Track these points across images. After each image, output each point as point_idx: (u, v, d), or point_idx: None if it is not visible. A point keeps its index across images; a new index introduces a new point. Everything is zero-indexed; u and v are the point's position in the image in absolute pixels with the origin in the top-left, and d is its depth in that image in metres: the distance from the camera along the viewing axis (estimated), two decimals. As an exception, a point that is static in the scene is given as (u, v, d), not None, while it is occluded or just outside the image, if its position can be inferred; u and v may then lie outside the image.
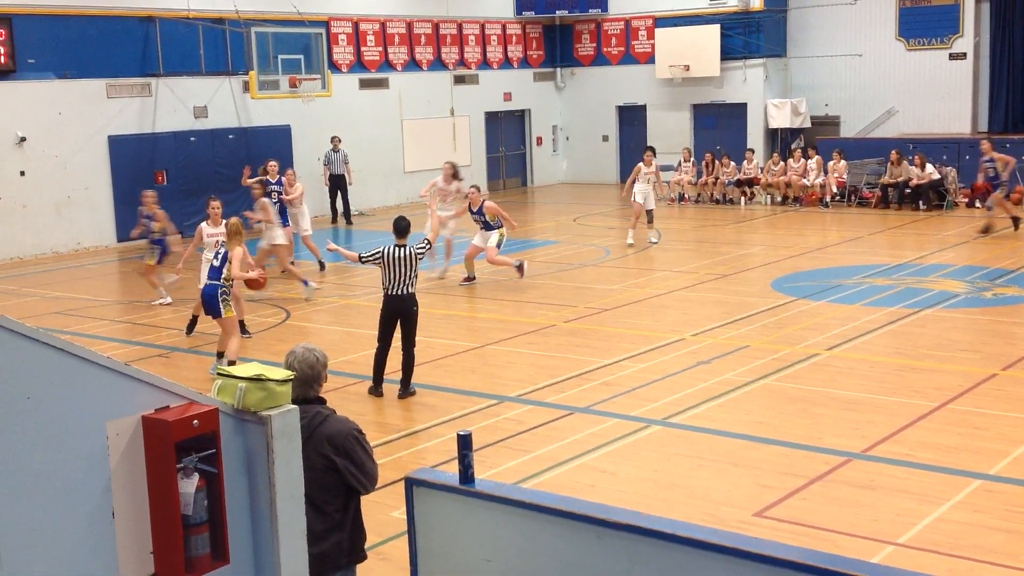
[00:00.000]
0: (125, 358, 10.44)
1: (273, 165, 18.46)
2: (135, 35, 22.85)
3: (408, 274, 10.79)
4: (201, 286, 13.34)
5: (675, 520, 3.57)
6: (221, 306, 11.68)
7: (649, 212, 19.80)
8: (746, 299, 15.11)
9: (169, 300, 16.17)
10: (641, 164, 19.93)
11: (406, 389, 10.94)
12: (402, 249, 10.81)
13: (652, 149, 20.73)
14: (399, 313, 10.88)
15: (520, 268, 16.70)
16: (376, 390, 11.05)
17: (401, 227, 10.98)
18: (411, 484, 4.01)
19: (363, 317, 14.35)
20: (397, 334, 10.99)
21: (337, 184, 25.22)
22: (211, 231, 13.95)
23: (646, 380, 11.22)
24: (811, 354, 12.01)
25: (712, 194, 26.69)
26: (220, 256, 11.84)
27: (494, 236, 16.58)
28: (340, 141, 25.33)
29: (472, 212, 16.66)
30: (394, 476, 8.02)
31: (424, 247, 11.23)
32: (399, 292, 10.81)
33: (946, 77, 27.57)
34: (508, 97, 31.55)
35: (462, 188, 17.80)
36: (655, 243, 19.96)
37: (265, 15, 24.24)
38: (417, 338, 11.02)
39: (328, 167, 25.27)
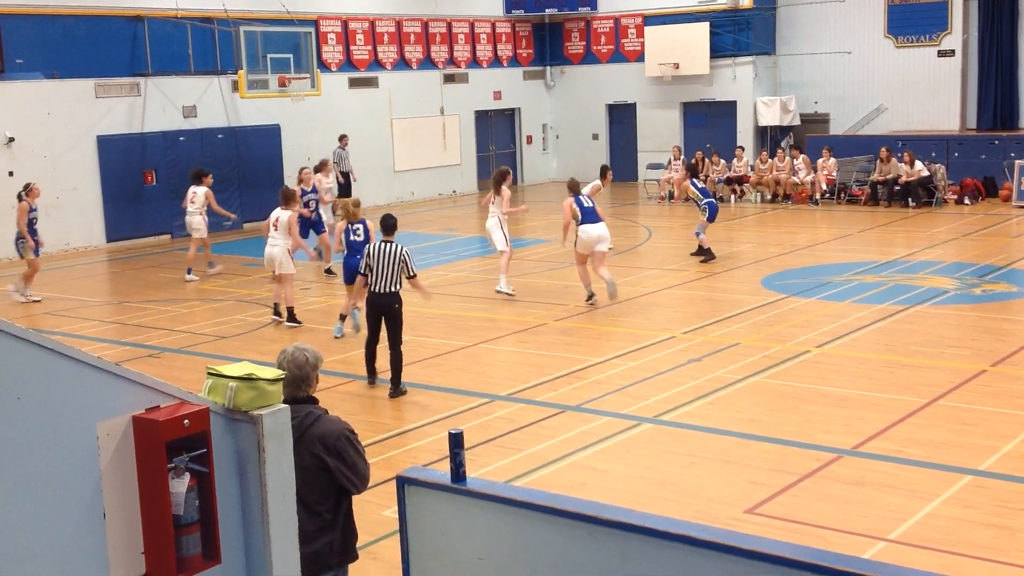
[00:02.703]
0: (115, 358, 10.42)
1: (308, 173, 18.26)
2: (123, 35, 22.78)
3: (392, 272, 10.75)
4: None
5: (666, 517, 3.58)
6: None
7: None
8: (736, 297, 15.14)
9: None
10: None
11: (397, 388, 10.94)
12: (388, 245, 10.79)
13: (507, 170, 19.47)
14: (382, 310, 10.86)
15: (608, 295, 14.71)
16: (371, 380, 11.19)
17: (388, 224, 10.99)
18: (403, 483, 4.01)
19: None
20: (384, 333, 11.02)
21: (346, 181, 25.22)
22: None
23: (637, 378, 11.23)
24: (801, 351, 12.03)
25: (702, 192, 26.70)
26: (362, 232, 13.23)
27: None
28: (348, 139, 25.37)
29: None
30: (386, 475, 8.01)
31: (412, 274, 10.96)
32: (381, 289, 10.77)
33: (935, 74, 27.64)
34: (498, 96, 31.54)
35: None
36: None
37: (254, 14, 24.18)
38: (408, 337, 11.03)
39: (338, 165, 25.13)
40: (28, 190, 16.66)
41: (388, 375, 11.00)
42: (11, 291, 16.63)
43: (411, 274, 10.88)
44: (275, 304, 14.63)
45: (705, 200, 18.07)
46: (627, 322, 13.84)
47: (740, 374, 11.20)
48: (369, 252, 10.79)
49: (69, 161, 21.91)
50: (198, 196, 18.30)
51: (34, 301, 16.49)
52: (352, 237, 13.22)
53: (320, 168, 18.92)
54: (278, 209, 14.45)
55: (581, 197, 15.00)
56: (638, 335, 13.08)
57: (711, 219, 18.05)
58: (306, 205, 17.51)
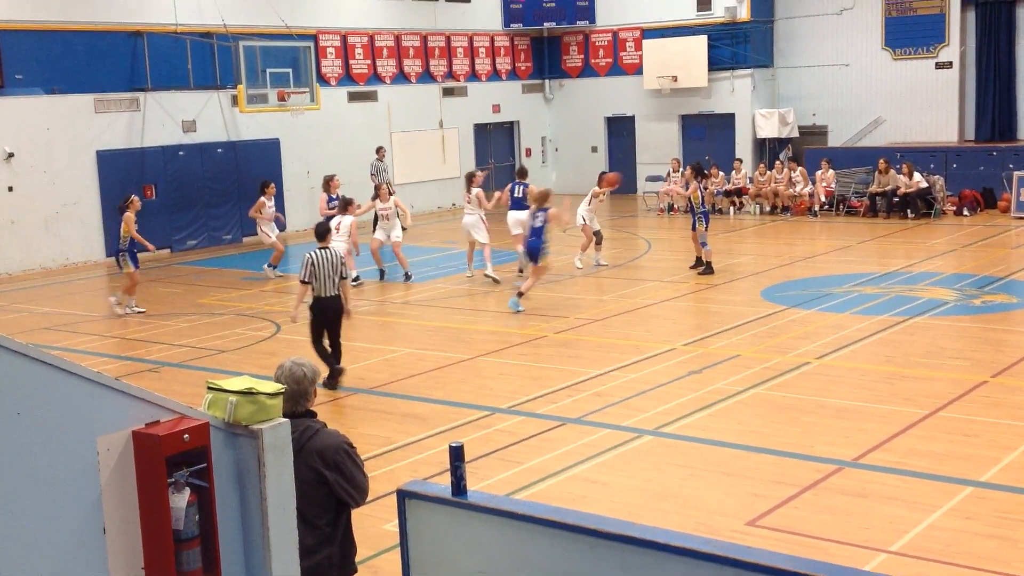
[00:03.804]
0: (115, 373, 10.40)
1: (337, 181, 19.45)
2: (123, 50, 22.83)
3: (334, 276, 11.33)
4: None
5: (668, 530, 3.57)
6: (541, 255, 15.54)
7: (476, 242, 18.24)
8: (736, 308, 15.14)
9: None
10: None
11: (338, 362, 11.63)
12: (326, 252, 11.40)
13: (473, 173, 19.16)
14: (332, 314, 11.44)
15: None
16: (332, 376, 11.54)
17: (320, 232, 11.76)
18: (403, 496, 4.00)
19: (353, 330, 14.30)
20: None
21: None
22: (382, 206, 18.20)
23: (637, 390, 11.22)
24: (802, 363, 12.03)
25: (701, 204, 26.70)
26: (541, 217, 15.40)
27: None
28: (385, 151, 25.77)
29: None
30: (386, 488, 8.00)
31: (345, 276, 11.66)
32: (328, 294, 11.35)
33: (932, 86, 27.69)
34: (497, 109, 31.59)
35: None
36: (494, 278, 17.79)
37: (253, 29, 24.23)
38: (408, 350, 11.15)
39: (375, 177, 24.96)
40: (129, 202, 16.71)
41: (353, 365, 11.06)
42: (112, 303, 16.64)
43: (344, 276, 11.53)
44: None
45: (703, 209, 18.07)
46: (627, 334, 13.83)
47: (740, 386, 11.20)
48: (312, 262, 11.28)
49: (69, 176, 21.93)
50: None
51: (139, 312, 16.54)
52: (534, 223, 15.56)
53: (327, 185, 19.24)
54: (337, 215, 16.47)
55: (516, 187, 18.21)
56: (638, 347, 13.08)
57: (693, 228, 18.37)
58: (331, 209, 18.37)
